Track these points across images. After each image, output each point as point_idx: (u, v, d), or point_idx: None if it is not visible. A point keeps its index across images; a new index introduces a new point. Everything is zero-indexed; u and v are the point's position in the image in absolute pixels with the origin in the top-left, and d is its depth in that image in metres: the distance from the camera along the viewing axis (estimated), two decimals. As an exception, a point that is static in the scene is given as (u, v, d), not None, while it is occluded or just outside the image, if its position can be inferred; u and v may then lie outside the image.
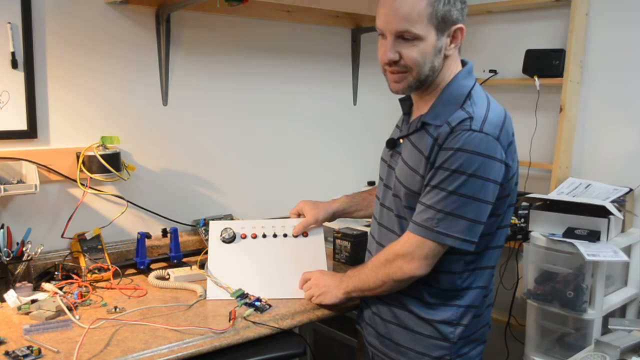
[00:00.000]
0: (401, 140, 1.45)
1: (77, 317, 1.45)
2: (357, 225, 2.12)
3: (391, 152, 1.49)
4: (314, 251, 1.74)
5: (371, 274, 1.43)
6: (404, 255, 1.35)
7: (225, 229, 1.75)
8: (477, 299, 1.42)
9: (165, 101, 2.06)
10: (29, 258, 1.65)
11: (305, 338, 2.11)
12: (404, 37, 1.30)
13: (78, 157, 1.83)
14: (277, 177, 2.40)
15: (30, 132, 1.77)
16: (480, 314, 1.44)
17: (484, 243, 1.37)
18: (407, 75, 1.34)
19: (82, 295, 1.59)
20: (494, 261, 1.44)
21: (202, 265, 1.81)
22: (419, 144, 1.36)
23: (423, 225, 1.32)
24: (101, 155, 1.79)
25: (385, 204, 1.48)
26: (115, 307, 1.53)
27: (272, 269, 1.70)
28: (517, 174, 1.40)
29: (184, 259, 1.94)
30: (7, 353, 1.26)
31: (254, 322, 1.46)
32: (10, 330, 1.40)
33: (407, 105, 1.49)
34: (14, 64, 1.72)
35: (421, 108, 1.41)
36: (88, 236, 1.83)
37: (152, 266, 1.88)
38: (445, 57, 1.34)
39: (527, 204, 2.18)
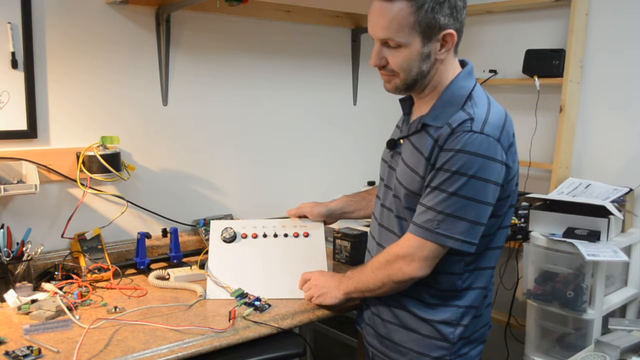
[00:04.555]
0: (401, 141, 1.45)
1: (77, 317, 1.45)
2: (357, 225, 2.13)
3: (392, 152, 1.49)
4: (314, 251, 1.74)
5: (371, 275, 1.43)
6: (404, 256, 1.35)
7: (226, 228, 1.75)
8: (476, 300, 1.41)
9: (165, 101, 2.06)
10: (29, 258, 1.65)
11: (305, 338, 2.11)
12: (389, 44, 1.32)
13: (78, 157, 1.83)
14: (277, 177, 2.40)
15: (30, 132, 1.77)
16: (480, 315, 1.44)
17: (484, 244, 1.37)
18: (394, 77, 1.37)
19: (82, 295, 1.59)
20: (493, 262, 1.44)
21: (202, 265, 1.81)
22: (419, 144, 1.36)
23: (423, 226, 1.32)
24: (101, 155, 1.79)
25: (385, 205, 1.48)
26: (115, 307, 1.53)
27: (272, 269, 1.70)
28: (517, 175, 1.40)
29: (184, 259, 1.94)
30: (7, 353, 1.26)
31: (254, 322, 1.46)
32: (10, 330, 1.40)
33: (407, 105, 1.49)
34: (14, 64, 1.72)
35: (421, 109, 1.41)
36: (88, 236, 1.83)
37: (152, 266, 1.88)
38: (438, 61, 1.34)
39: (527, 204, 2.18)
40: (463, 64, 1.41)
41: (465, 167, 1.27)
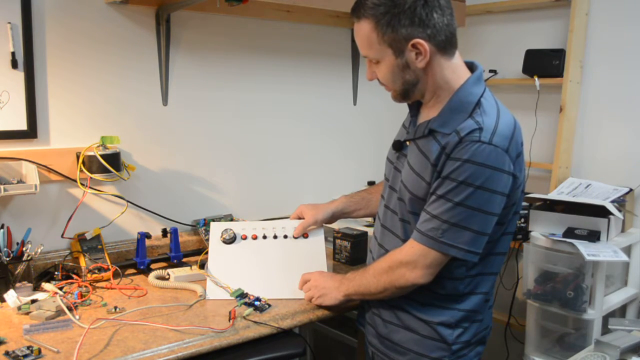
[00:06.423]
0: (408, 143, 1.45)
1: (77, 317, 1.45)
2: (357, 225, 2.13)
3: (397, 154, 1.48)
4: (314, 252, 1.74)
5: (373, 280, 1.43)
6: (407, 263, 1.35)
7: (226, 230, 1.75)
8: (478, 304, 1.41)
9: (165, 101, 2.06)
10: (29, 258, 1.65)
11: (305, 338, 2.11)
12: (370, 60, 1.37)
13: (78, 157, 1.83)
14: (277, 177, 2.40)
15: (30, 132, 1.77)
16: (481, 319, 1.44)
17: (487, 249, 1.36)
18: (389, 89, 1.40)
19: (82, 295, 1.59)
20: (497, 267, 1.43)
21: (202, 265, 1.81)
22: (425, 149, 1.35)
23: (428, 234, 1.32)
24: (101, 155, 1.79)
25: (389, 207, 1.48)
26: (115, 307, 1.53)
27: (272, 269, 1.70)
28: (524, 183, 1.40)
29: (184, 259, 1.94)
30: (7, 353, 1.26)
31: (254, 322, 1.46)
32: (10, 330, 1.40)
33: (414, 107, 1.47)
34: (14, 64, 1.72)
35: (428, 112, 1.40)
36: (88, 236, 1.83)
37: (152, 266, 1.88)
38: (421, 69, 1.32)
39: (527, 204, 2.18)
40: (473, 67, 1.39)
41: (473, 178, 1.26)
